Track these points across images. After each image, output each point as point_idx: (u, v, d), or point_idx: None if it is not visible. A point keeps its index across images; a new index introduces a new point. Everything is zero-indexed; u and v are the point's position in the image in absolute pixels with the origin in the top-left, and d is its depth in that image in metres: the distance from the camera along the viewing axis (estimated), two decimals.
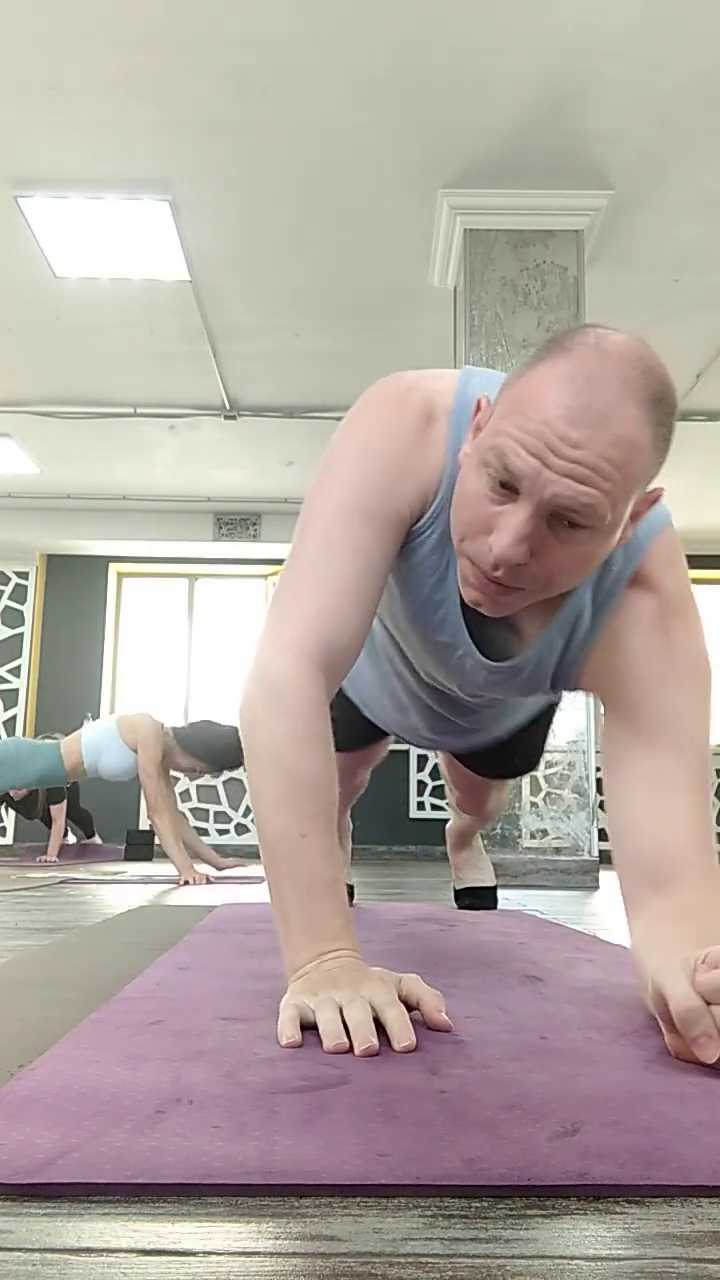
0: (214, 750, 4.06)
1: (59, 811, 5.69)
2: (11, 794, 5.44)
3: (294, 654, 1.01)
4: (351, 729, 1.68)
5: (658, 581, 1.07)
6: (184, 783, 7.30)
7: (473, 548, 0.97)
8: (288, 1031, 0.82)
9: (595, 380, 0.88)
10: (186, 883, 3.70)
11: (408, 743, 1.73)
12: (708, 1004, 0.73)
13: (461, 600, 1.10)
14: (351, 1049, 0.78)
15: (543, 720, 1.73)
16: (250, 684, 1.03)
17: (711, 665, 1.08)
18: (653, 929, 0.95)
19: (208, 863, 4.26)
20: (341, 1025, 0.80)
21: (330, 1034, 0.79)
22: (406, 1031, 0.79)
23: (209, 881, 3.77)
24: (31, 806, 5.71)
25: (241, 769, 4.34)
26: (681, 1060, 0.77)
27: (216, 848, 7.55)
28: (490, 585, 0.97)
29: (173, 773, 4.12)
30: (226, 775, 6.50)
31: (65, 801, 5.81)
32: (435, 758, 7.16)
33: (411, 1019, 0.83)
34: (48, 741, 4.35)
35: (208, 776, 4.35)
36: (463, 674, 1.22)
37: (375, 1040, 0.78)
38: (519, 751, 1.83)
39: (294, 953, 0.92)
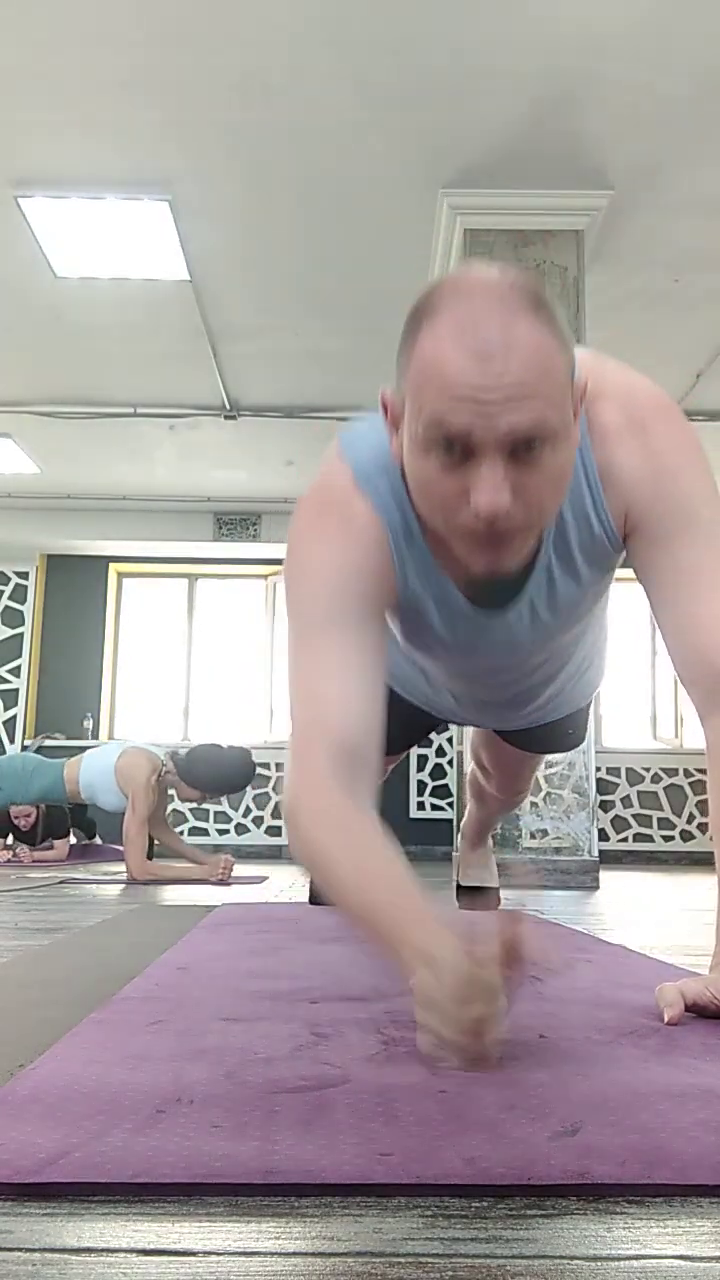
0: (220, 780, 4.03)
1: (62, 845, 5.66)
2: (19, 824, 5.41)
3: (315, 770, 1.02)
4: (399, 724, 1.63)
5: (602, 390, 1.06)
6: None
7: (459, 521, 0.96)
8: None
9: (478, 318, 0.90)
10: (219, 881, 3.68)
11: (457, 722, 1.70)
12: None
13: (467, 593, 1.12)
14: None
15: (588, 685, 1.69)
16: (288, 800, 1.04)
17: (694, 432, 1.11)
18: None
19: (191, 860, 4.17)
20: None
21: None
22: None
23: (230, 868, 3.73)
24: (34, 838, 5.68)
25: (250, 789, 4.23)
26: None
27: (217, 848, 7.56)
28: (492, 545, 0.97)
29: (182, 803, 4.11)
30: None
31: (69, 836, 5.75)
32: (456, 748, 7.01)
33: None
34: (53, 761, 4.35)
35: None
36: (509, 640, 1.22)
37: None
38: (571, 721, 1.80)
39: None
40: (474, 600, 1.15)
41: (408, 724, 1.62)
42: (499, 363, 0.89)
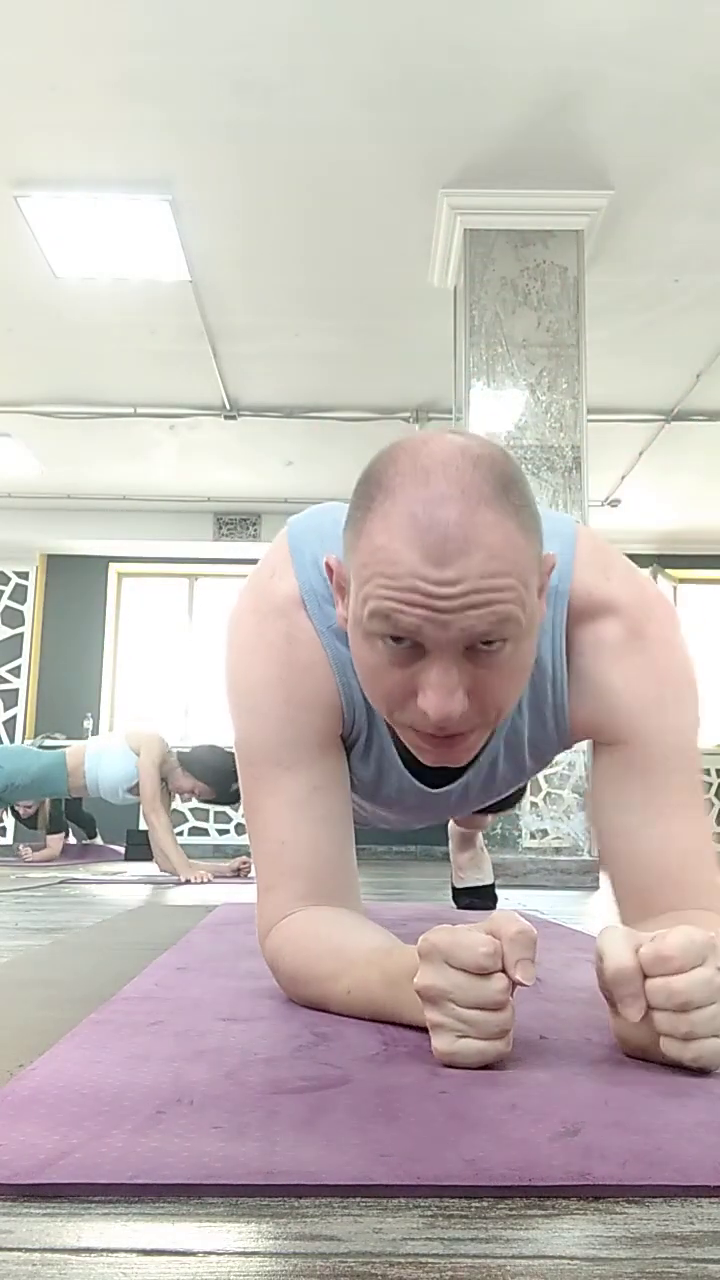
0: (218, 774, 4.05)
1: (56, 840, 5.68)
2: (19, 810, 5.44)
3: (285, 915, 1.02)
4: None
5: (607, 599, 1.02)
6: None
7: (406, 716, 0.89)
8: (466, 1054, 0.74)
9: (435, 507, 0.81)
10: (187, 881, 3.70)
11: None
12: (645, 976, 0.72)
13: (403, 755, 1.09)
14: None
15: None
16: (266, 951, 1.04)
17: (692, 663, 1.04)
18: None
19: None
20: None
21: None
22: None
23: (208, 880, 3.77)
24: (35, 824, 5.72)
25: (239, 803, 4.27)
26: (625, 1049, 0.78)
27: (216, 848, 7.56)
28: (443, 742, 0.90)
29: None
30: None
31: (64, 834, 5.78)
32: None
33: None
34: (53, 751, 4.42)
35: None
36: (435, 807, 1.21)
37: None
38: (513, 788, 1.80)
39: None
40: (409, 767, 1.12)
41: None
42: (456, 565, 0.80)
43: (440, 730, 0.87)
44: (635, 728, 1.01)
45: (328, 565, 0.95)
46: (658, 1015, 0.72)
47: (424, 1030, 0.82)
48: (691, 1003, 0.70)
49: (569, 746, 1.11)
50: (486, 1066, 0.74)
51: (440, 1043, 0.74)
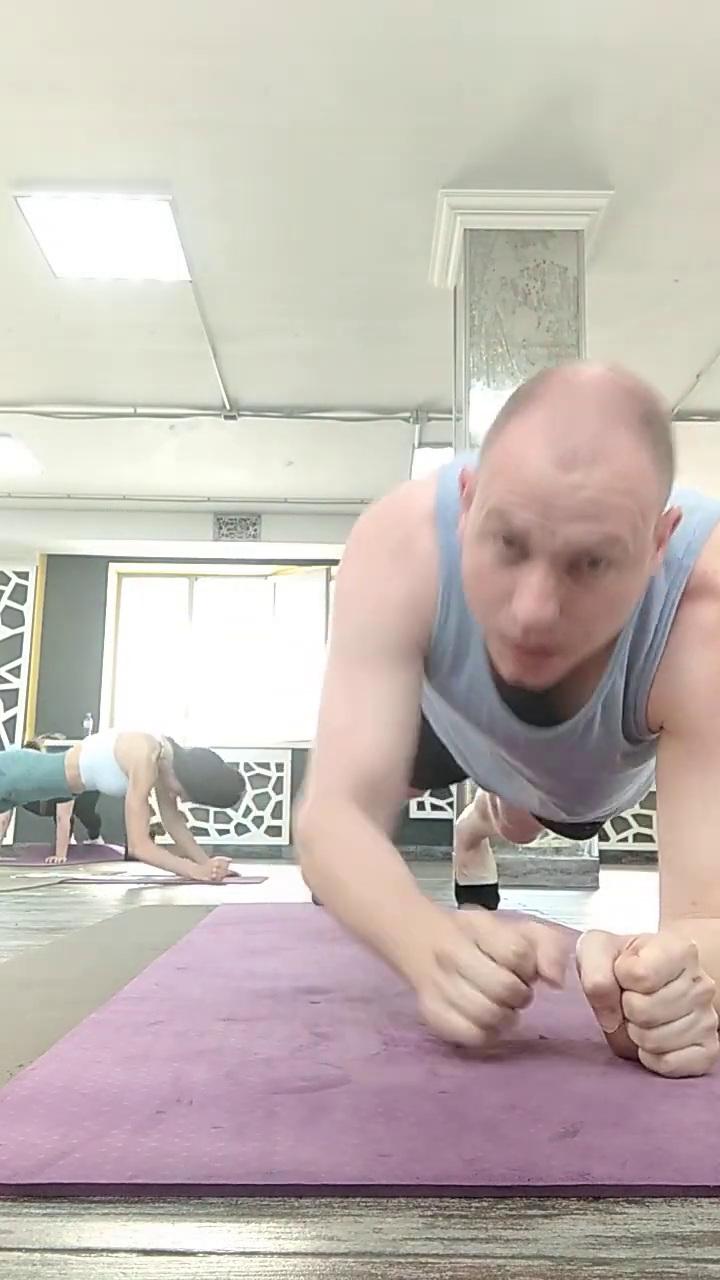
0: (206, 787, 4.05)
1: (65, 810, 5.69)
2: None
3: (334, 798, 1.02)
4: (434, 771, 1.55)
5: (717, 583, 0.99)
6: None
7: (498, 621, 0.91)
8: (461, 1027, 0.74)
9: (576, 418, 0.83)
10: (213, 880, 3.70)
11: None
12: (621, 989, 0.72)
13: (497, 681, 1.08)
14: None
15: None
16: (303, 825, 1.04)
17: None
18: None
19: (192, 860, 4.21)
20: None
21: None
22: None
23: (226, 878, 3.76)
24: (38, 802, 5.73)
25: (232, 809, 4.20)
26: (615, 1051, 0.79)
27: (217, 848, 7.56)
28: (526, 655, 0.90)
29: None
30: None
31: (73, 801, 5.80)
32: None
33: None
34: (54, 755, 4.42)
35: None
36: (521, 750, 1.18)
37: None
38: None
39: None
40: (503, 696, 1.10)
41: (441, 769, 1.55)
42: (580, 473, 0.82)
43: (525, 638, 0.88)
44: (704, 717, 0.98)
45: (462, 476, 0.98)
46: (630, 1028, 0.73)
47: (420, 1030, 0.83)
48: (655, 1020, 0.71)
49: (644, 736, 1.07)
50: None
51: (429, 1002, 0.76)
